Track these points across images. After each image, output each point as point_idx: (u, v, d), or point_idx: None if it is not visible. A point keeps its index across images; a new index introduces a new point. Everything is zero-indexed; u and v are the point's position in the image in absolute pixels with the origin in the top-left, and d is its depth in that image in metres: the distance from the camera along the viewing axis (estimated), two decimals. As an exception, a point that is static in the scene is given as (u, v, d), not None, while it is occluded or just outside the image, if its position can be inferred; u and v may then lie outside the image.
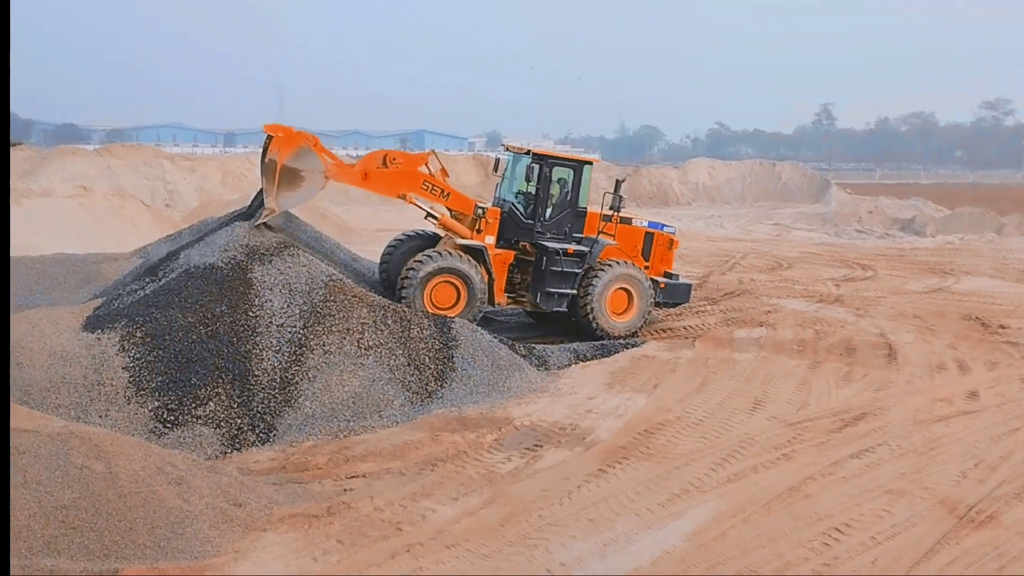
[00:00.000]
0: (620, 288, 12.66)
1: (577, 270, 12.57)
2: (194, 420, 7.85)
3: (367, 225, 31.90)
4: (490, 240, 12.52)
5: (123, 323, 8.70)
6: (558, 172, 12.99)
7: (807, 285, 18.38)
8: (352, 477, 7.20)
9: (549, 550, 5.95)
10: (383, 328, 9.29)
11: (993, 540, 6.22)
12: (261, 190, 10.84)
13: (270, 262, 9.48)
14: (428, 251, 11.85)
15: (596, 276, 12.53)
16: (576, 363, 11.04)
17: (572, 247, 12.65)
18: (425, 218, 13.07)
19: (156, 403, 7.90)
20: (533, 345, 11.42)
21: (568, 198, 13.02)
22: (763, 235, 31.39)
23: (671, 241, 13.99)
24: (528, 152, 12.96)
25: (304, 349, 8.73)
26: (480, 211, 12.50)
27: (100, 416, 7.68)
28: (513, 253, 12.81)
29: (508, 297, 12.85)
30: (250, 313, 8.87)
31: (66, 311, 9.29)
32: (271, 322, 8.86)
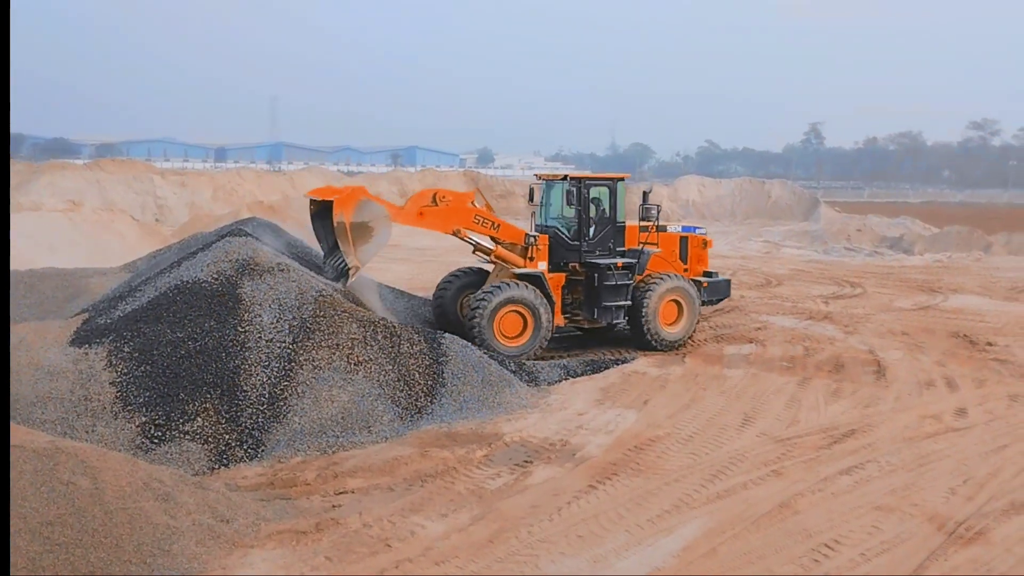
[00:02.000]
0: (671, 300, 13.23)
1: (628, 282, 13.08)
2: (181, 436, 7.80)
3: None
4: (543, 266, 13.01)
5: (111, 338, 8.66)
6: (595, 191, 13.56)
7: (796, 302, 18.44)
8: (341, 493, 7.15)
9: (538, 567, 5.92)
10: (373, 344, 9.27)
11: (982, 556, 6.22)
12: (330, 251, 11.59)
13: (260, 277, 9.46)
14: (493, 283, 12.29)
15: (650, 289, 13.10)
16: (566, 379, 11.04)
17: (620, 261, 13.22)
18: (473, 252, 13.40)
19: (143, 418, 7.85)
20: (523, 361, 11.42)
21: (607, 215, 13.58)
22: (753, 252, 31.52)
23: (704, 241, 14.66)
24: (565, 177, 13.61)
25: (293, 364, 8.70)
26: (532, 239, 12.98)
27: (87, 431, 7.63)
28: (564, 275, 13.31)
29: (564, 317, 13.31)
30: (239, 328, 8.84)
31: (54, 325, 9.24)
32: (260, 337, 8.82)
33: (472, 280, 13.67)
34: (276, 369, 8.61)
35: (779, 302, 17.95)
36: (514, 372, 10.47)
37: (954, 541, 6.46)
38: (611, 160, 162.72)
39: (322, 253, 12.11)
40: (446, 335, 10.09)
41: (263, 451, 7.93)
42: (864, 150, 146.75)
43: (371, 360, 9.11)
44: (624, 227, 13.75)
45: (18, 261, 13.39)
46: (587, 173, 14.23)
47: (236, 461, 7.75)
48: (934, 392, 10.85)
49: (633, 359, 12.27)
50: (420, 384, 9.24)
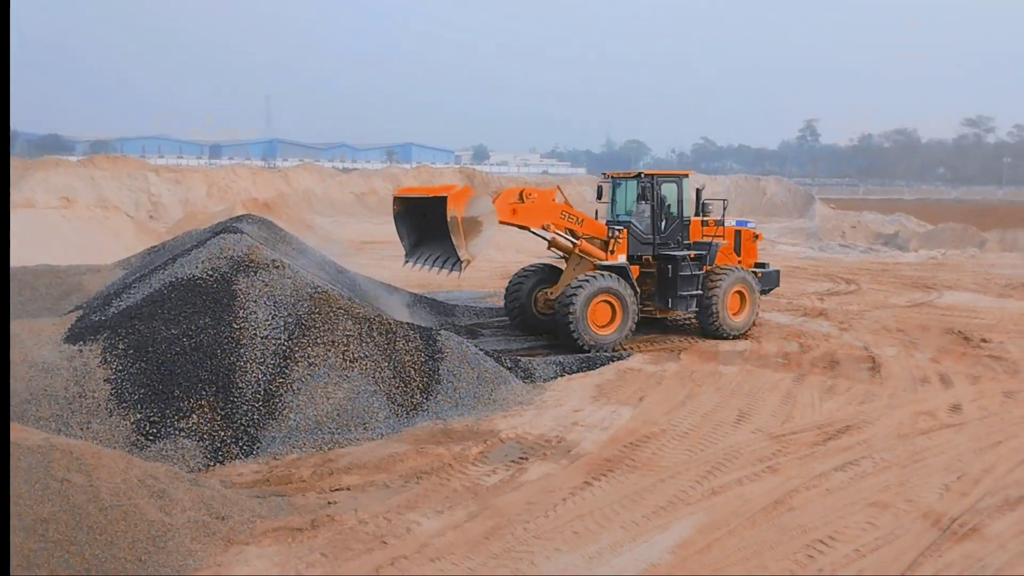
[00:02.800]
0: (736, 291, 13.98)
1: (700, 272, 13.82)
2: (176, 433, 7.78)
3: (353, 236, 31.83)
4: (622, 259, 13.58)
5: (105, 335, 8.63)
6: (665, 187, 14.21)
7: (791, 299, 18.49)
8: (336, 490, 7.14)
9: (534, 563, 5.92)
10: (368, 340, 9.26)
11: (976, 552, 6.24)
12: (412, 248, 12.66)
13: (255, 274, 9.44)
14: (584, 275, 12.76)
15: (720, 279, 13.81)
16: (562, 376, 11.04)
17: (693, 252, 13.98)
18: (548, 248, 14.02)
19: (138, 415, 7.83)
20: (519, 358, 11.42)
21: (672, 210, 14.28)
22: (748, 249, 31.49)
23: (755, 235, 15.48)
24: (639, 175, 14.23)
25: (289, 361, 8.68)
26: (614, 233, 13.53)
27: (81, 428, 7.61)
28: (637, 268, 13.87)
29: None
30: (234, 325, 8.82)
31: (47, 323, 9.22)
32: (255, 334, 8.80)
33: (545, 276, 14.29)
34: (271, 366, 8.60)
35: (774, 299, 17.97)
36: (510, 369, 10.46)
37: (948, 537, 6.48)
38: (607, 157, 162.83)
39: (317, 252, 12.14)
40: (441, 332, 10.08)
41: (258, 448, 7.92)
42: (859, 147, 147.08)
43: (367, 357, 9.10)
44: (689, 221, 14.43)
45: (12, 258, 13.35)
46: (658, 170, 14.77)
47: (231, 458, 7.74)
48: (929, 388, 10.88)
49: (629, 356, 12.27)
50: (416, 381, 9.23)
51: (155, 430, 7.75)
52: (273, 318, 9.03)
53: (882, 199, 79.67)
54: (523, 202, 12.56)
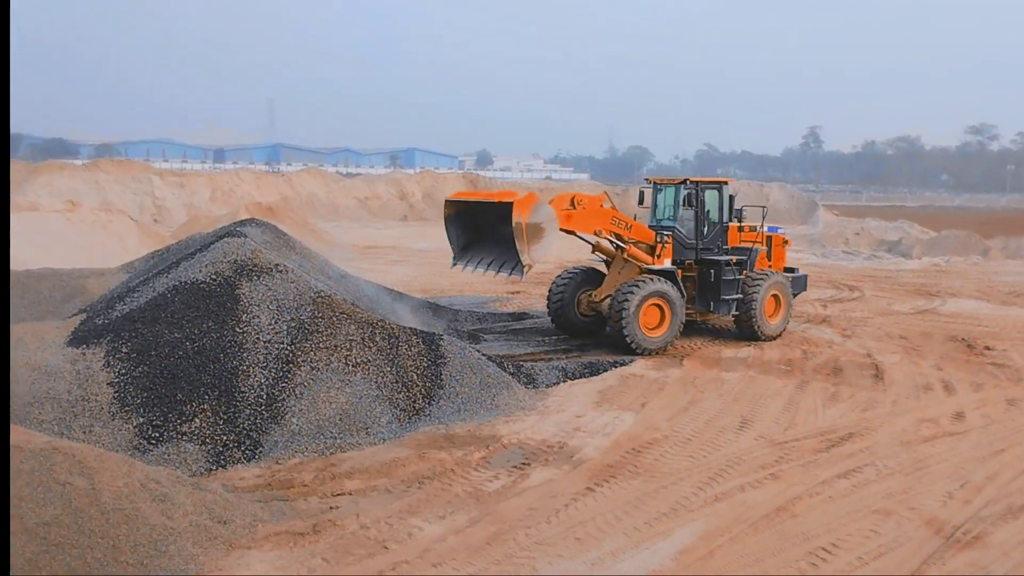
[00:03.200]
0: (772, 294, 14.40)
1: (739, 276, 14.23)
2: (179, 436, 7.79)
3: (356, 241, 31.85)
4: (668, 263, 13.86)
5: (108, 338, 8.64)
6: (707, 194, 14.54)
7: (794, 305, 18.44)
8: (338, 494, 7.14)
9: (536, 569, 5.92)
10: (371, 345, 9.26)
11: (979, 560, 6.22)
12: (461, 252, 13.00)
13: (258, 278, 9.45)
14: (635, 279, 13.11)
15: (758, 283, 14.19)
16: (564, 381, 11.03)
17: (735, 257, 14.42)
18: (592, 252, 14.47)
19: (141, 419, 7.83)
20: (521, 363, 11.42)
21: (712, 216, 14.65)
22: (751, 255, 31.47)
23: (784, 240, 15.97)
24: (684, 181, 14.51)
25: (291, 366, 8.69)
26: (663, 238, 13.85)
27: (84, 432, 7.61)
28: (680, 271, 14.09)
29: None
30: (237, 329, 8.83)
31: (51, 326, 9.23)
32: (258, 338, 8.81)
33: (588, 279, 14.56)
34: (274, 370, 8.60)
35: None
36: (512, 374, 10.46)
37: (951, 545, 6.46)
38: (610, 163, 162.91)
39: (320, 256, 12.16)
40: (444, 337, 10.09)
41: (261, 452, 7.92)
42: (862, 154, 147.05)
43: (369, 361, 9.10)
44: (728, 227, 14.83)
45: (15, 261, 13.37)
46: (701, 177, 15.08)
47: (233, 462, 7.74)
48: (931, 396, 10.85)
49: (631, 361, 12.26)
50: (418, 386, 9.23)
51: (157, 434, 7.76)
52: (276, 322, 9.03)
53: (885, 206, 79.59)
54: (575, 208, 12.70)
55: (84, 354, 8.42)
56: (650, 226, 14.39)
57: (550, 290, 14.52)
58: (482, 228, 12.74)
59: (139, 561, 5.46)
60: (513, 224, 11.47)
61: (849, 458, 8.38)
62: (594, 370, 11.63)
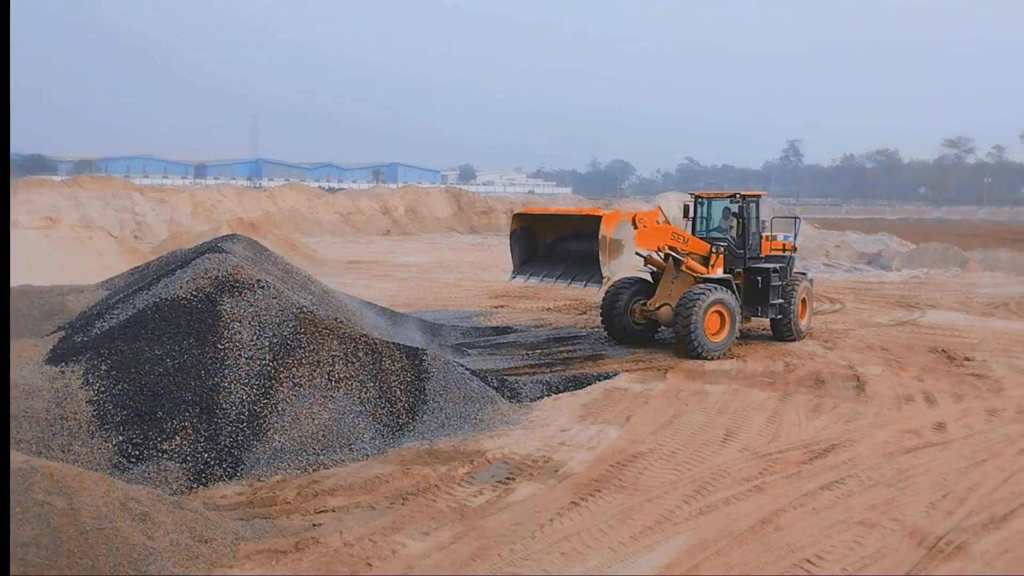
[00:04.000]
0: (802, 299, 15.62)
1: (781, 282, 15.24)
2: (159, 454, 7.70)
3: (339, 256, 31.74)
4: (720, 272, 14.81)
5: (88, 356, 8.55)
6: (751, 207, 15.60)
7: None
8: (321, 512, 7.08)
9: (521, 585, 5.88)
10: (354, 360, 9.22)
11: (962, 571, 6.25)
12: (520, 267, 13.90)
13: (239, 294, 9.39)
14: (699, 288, 13.95)
15: (794, 288, 15.42)
16: (548, 395, 11.01)
17: (777, 265, 15.39)
18: (644, 264, 15.17)
19: (120, 437, 7.74)
20: (505, 377, 11.39)
21: (753, 227, 15.70)
22: (733, 268, 31.64)
23: (794, 248, 16.83)
24: (733, 195, 15.65)
25: (273, 382, 8.62)
26: (718, 249, 14.85)
27: (63, 450, 7.51)
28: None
29: None
30: (218, 346, 8.76)
31: (29, 344, 9.12)
32: (240, 355, 8.75)
33: (640, 288, 15.36)
34: (256, 387, 8.53)
35: (757, 319, 18.02)
36: (496, 389, 10.43)
37: (934, 556, 6.49)
38: (592, 177, 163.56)
39: (302, 272, 12.10)
40: (428, 351, 10.05)
41: (242, 470, 7.84)
42: (842, 167, 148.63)
43: (352, 377, 9.05)
44: (762, 237, 16.01)
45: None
46: (746, 191, 16.09)
47: (215, 480, 7.66)
48: (913, 407, 10.93)
49: (615, 375, 12.27)
50: (402, 401, 9.19)
51: (138, 452, 7.66)
52: (258, 338, 8.97)
53: (865, 219, 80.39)
54: (637, 228, 13.24)
55: (63, 372, 8.32)
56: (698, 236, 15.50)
57: (604, 299, 15.15)
58: (551, 242, 13.77)
59: (118, 582, 5.38)
60: (599, 237, 12.23)
61: (832, 470, 8.41)
62: (578, 384, 11.62)
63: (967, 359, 14.05)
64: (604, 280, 12.35)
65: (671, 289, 14.83)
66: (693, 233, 15.52)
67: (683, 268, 14.47)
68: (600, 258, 12.24)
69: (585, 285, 12.64)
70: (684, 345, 13.60)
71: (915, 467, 8.53)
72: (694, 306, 13.42)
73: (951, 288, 25.64)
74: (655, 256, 14.71)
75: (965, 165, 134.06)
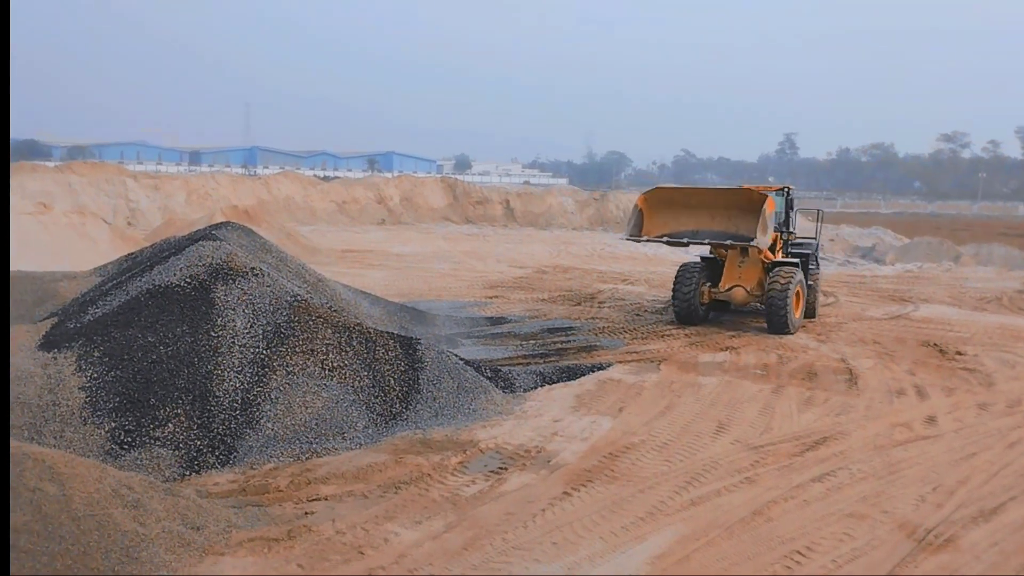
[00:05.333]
0: (797, 291, 16.13)
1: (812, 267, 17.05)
2: (152, 442, 7.70)
3: (334, 245, 31.69)
4: (781, 256, 16.56)
5: (80, 342, 8.53)
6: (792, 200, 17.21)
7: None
8: (314, 500, 7.09)
9: (512, 574, 5.90)
10: (348, 349, 9.21)
11: (951, 563, 6.29)
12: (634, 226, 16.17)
13: (233, 282, 9.37)
14: (787, 270, 15.32)
15: (817, 272, 17.37)
16: (542, 386, 11.03)
17: (806, 252, 17.00)
18: (711, 251, 16.81)
19: (113, 424, 7.73)
20: (499, 367, 11.40)
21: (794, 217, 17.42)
22: (727, 261, 31.67)
23: (816, 238, 18.48)
24: (782, 189, 17.06)
25: (267, 370, 8.62)
26: (785, 237, 16.65)
27: (55, 437, 7.50)
28: None
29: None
30: (212, 333, 8.75)
31: (21, 329, 9.10)
32: (233, 342, 8.74)
33: (708, 271, 16.54)
34: (249, 375, 8.53)
35: (752, 310, 18.06)
36: (490, 379, 10.45)
37: (923, 548, 6.53)
38: (589, 168, 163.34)
39: (297, 260, 12.06)
40: (421, 341, 10.05)
41: (235, 457, 7.84)
42: (837, 161, 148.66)
43: (346, 366, 9.05)
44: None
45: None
46: (788, 185, 17.67)
47: (207, 467, 7.66)
48: (904, 400, 10.98)
49: (609, 366, 12.29)
50: (395, 390, 9.19)
51: (130, 439, 7.66)
52: (251, 326, 8.96)
53: (859, 212, 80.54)
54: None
55: (55, 358, 8.30)
56: None
57: (677, 283, 16.08)
58: (695, 210, 15.42)
59: (111, 568, 5.38)
60: (763, 212, 14.19)
61: (823, 462, 8.45)
62: (572, 375, 11.64)
63: (959, 353, 14.11)
64: (757, 245, 14.30)
65: (739, 272, 16.17)
66: None
67: (757, 255, 15.82)
68: (759, 230, 14.16)
69: (734, 244, 14.77)
70: (778, 322, 15.08)
71: (905, 460, 8.58)
72: (788, 287, 14.90)
73: (944, 282, 25.73)
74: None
75: (960, 160, 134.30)
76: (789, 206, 16.90)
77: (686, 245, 15.60)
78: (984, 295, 22.47)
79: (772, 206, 14.44)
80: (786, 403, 10.60)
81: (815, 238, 18.07)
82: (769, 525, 6.87)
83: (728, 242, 14.86)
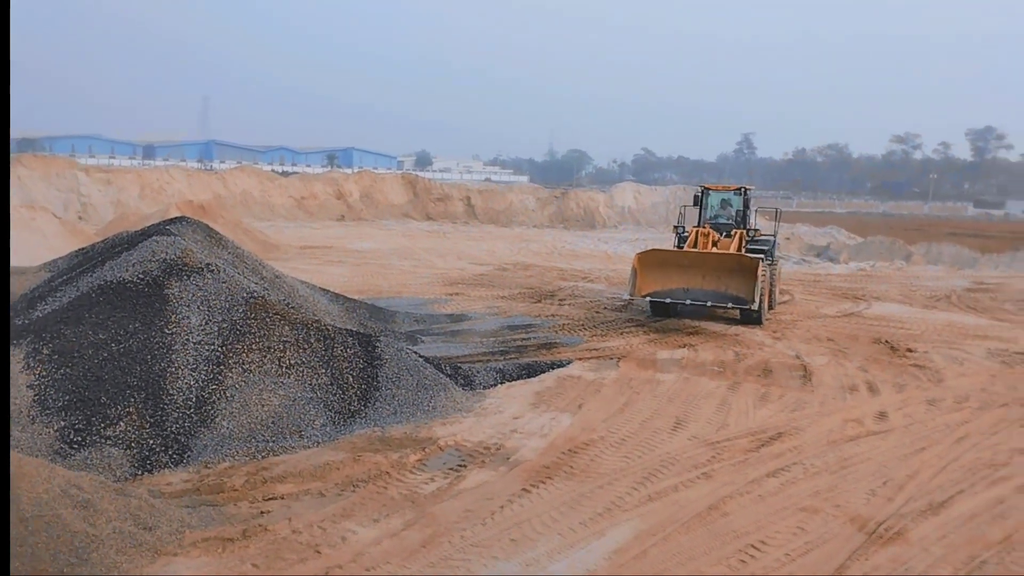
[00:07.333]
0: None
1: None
2: (103, 441, 7.53)
3: (291, 241, 31.34)
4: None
5: (28, 339, 8.32)
6: (750, 198, 18.37)
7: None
8: (270, 499, 7.00)
9: (471, 571, 5.90)
10: (306, 347, 9.12)
11: (901, 556, 6.43)
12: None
13: (188, 278, 9.21)
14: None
15: (775, 268, 18.11)
16: (502, 383, 11.03)
17: (764, 248, 17.65)
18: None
19: (62, 423, 7.55)
20: (459, 364, 11.38)
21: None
22: (686, 259, 31.99)
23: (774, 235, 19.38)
24: (739, 188, 18.41)
25: (222, 367, 8.49)
26: (752, 233, 17.70)
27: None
28: None
29: None
30: (165, 330, 8.59)
31: (-33, 326, 8.83)
32: (188, 339, 8.59)
33: None
34: (204, 372, 8.39)
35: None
36: (450, 376, 10.41)
37: (874, 541, 6.67)
38: (550, 166, 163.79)
39: (254, 256, 11.89)
40: (381, 338, 9.98)
41: (189, 456, 7.71)
42: (794, 161, 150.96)
43: (303, 363, 8.95)
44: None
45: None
46: (746, 185, 18.88)
47: (160, 467, 7.52)
48: (857, 397, 11.19)
49: (568, 363, 12.34)
50: (354, 388, 9.12)
51: (80, 438, 7.48)
52: (207, 323, 8.82)
53: (815, 211, 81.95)
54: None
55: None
56: (703, 224, 17.99)
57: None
58: (687, 269, 15.91)
59: (59, 570, 5.26)
60: (757, 274, 15.01)
61: (778, 457, 8.58)
62: (531, 372, 11.66)
63: (909, 350, 14.43)
64: (752, 306, 15.03)
65: None
66: (700, 221, 18.15)
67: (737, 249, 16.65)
68: (755, 291, 14.98)
69: (731, 306, 15.47)
70: (752, 315, 15.92)
71: (857, 455, 8.75)
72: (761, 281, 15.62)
73: (895, 281, 26.30)
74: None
75: (912, 161, 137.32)
76: (746, 205, 17.75)
77: (687, 304, 15.94)
78: (934, 293, 23.03)
79: (763, 268, 15.23)
80: (742, 399, 10.74)
81: (774, 236, 18.71)
82: (725, 520, 6.96)
83: (730, 304, 15.50)
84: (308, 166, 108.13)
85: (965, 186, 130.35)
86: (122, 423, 7.70)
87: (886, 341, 15.18)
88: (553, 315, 16.74)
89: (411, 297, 18.72)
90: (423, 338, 13.94)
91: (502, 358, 12.62)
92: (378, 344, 9.72)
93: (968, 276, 28.49)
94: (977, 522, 7.11)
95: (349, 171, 69.13)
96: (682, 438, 9.08)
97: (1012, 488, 7.94)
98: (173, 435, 7.81)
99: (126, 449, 7.54)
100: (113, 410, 7.76)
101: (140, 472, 7.40)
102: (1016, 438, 9.54)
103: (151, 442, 7.66)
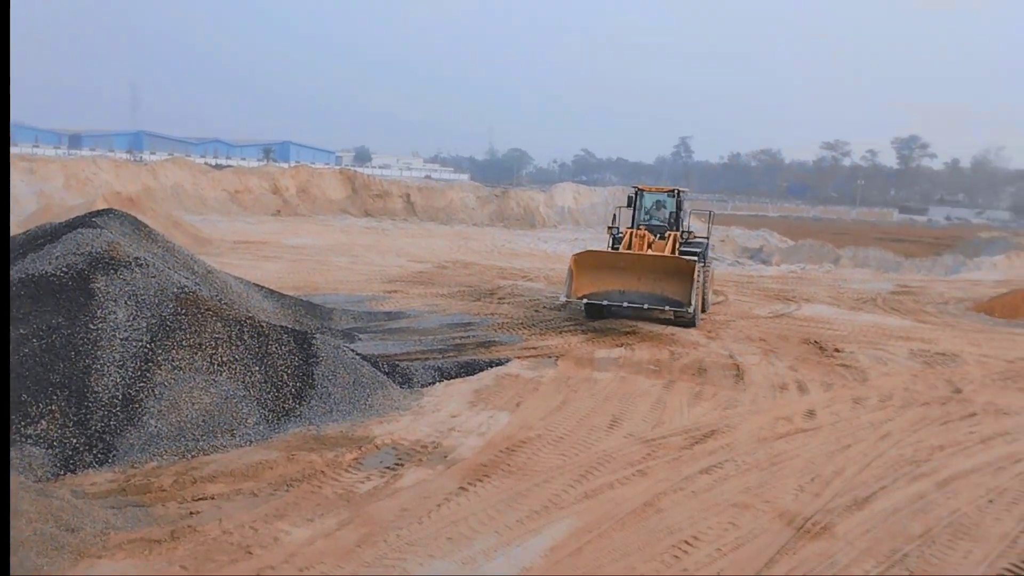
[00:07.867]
0: None
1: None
2: (23, 440, 7.24)
3: (225, 236, 30.64)
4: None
5: (-57, 334, 7.94)
6: (684, 201, 18.43)
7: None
8: (199, 499, 6.82)
9: (406, 570, 5.85)
10: (239, 343, 8.92)
11: (827, 550, 6.61)
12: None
13: (115, 272, 8.92)
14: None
15: (708, 269, 18.17)
16: (440, 381, 10.97)
17: (698, 250, 17.72)
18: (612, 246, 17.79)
19: (-21, 421, 7.22)
20: (397, 362, 11.28)
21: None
22: (624, 259, 32.35)
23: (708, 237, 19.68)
24: (672, 190, 18.60)
25: (151, 364, 8.24)
26: (686, 237, 17.84)
27: (-89, 436, 6.95)
28: None
29: None
30: (91, 326, 8.30)
31: None
32: (114, 336, 8.31)
33: None
34: (131, 369, 8.13)
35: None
36: (387, 374, 10.31)
37: (802, 536, 6.84)
38: (490, 164, 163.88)
39: (185, 251, 11.58)
40: (317, 336, 9.83)
41: (115, 456, 7.46)
42: (729, 165, 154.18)
43: (236, 360, 8.76)
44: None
45: None
46: (680, 187, 19.12)
47: (84, 467, 7.26)
48: (787, 395, 11.48)
49: (507, 361, 12.35)
50: (288, 386, 8.96)
51: (-2, 437, 7.17)
52: (134, 319, 8.55)
53: (749, 215, 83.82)
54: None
55: (-87, 351, 7.69)
56: (637, 225, 17.95)
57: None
58: (623, 271, 15.71)
59: (-27, 575, 5.03)
60: (693, 277, 14.96)
61: (711, 455, 8.74)
62: (470, 370, 11.63)
63: (836, 350, 14.86)
64: (688, 308, 14.94)
65: None
66: (633, 222, 18.09)
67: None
68: (692, 292, 14.92)
69: (668, 308, 15.21)
70: (687, 317, 15.92)
71: (786, 452, 8.97)
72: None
73: (824, 283, 27.06)
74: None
75: (841, 167, 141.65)
76: (680, 207, 17.81)
77: (623, 307, 15.80)
78: (861, 296, 23.78)
79: (698, 271, 15.28)
80: (677, 398, 10.91)
81: (707, 238, 18.96)
82: (659, 516, 7.05)
83: (666, 307, 15.32)
84: (243, 159, 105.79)
85: (891, 192, 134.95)
86: (44, 421, 7.41)
87: (815, 341, 15.61)
88: (492, 313, 16.75)
89: (349, 294, 18.49)
90: (360, 336, 13.79)
91: (440, 356, 12.57)
92: (314, 341, 9.57)
93: (893, 279, 29.52)
94: (899, 516, 7.36)
95: (285, 165, 67.92)
96: (618, 436, 9.17)
97: (932, 484, 8.25)
98: (98, 434, 7.55)
99: (48, 448, 7.26)
100: (34, 408, 7.47)
101: (63, 472, 7.14)
102: (936, 436, 9.91)
103: (74, 441, 7.40)
